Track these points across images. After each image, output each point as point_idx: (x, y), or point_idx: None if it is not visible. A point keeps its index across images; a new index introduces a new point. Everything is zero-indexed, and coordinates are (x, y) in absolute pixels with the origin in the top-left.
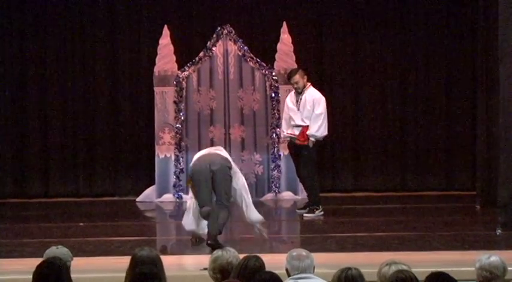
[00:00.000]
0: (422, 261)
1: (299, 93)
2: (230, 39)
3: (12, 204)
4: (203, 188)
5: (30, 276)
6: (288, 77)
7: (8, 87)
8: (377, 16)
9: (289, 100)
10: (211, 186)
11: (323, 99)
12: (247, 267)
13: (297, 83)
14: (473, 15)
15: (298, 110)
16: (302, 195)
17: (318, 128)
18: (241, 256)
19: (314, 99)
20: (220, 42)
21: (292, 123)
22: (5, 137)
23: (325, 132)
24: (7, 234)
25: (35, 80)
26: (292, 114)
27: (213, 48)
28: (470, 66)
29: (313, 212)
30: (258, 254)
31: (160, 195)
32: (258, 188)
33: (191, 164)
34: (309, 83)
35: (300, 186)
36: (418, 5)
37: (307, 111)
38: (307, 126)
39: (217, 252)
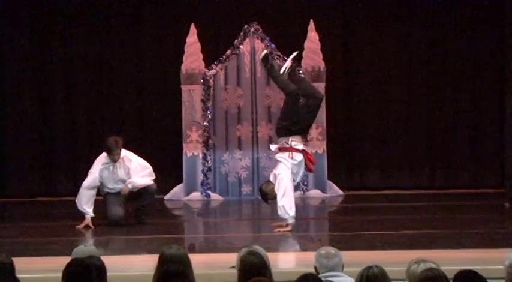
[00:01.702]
0: (451, 259)
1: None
2: (257, 37)
3: (41, 202)
4: None
5: (59, 275)
6: None
7: (36, 87)
8: (404, 13)
9: None
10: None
11: None
12: (246, 263)
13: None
14: (502, 9)
15: None
16: (330, 193)
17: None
18: (268, 254)
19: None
20: (247, 40)
21: None
22: (34, 136)
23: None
24: (36, 232)
25: (61, 79)
26: None
27: (240, 46)
28: (498, 62)
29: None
30: (287, 252)
31: (188, 193)
32: None
33: None
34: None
35: (328, 184)
36: (446, 2)
37: None
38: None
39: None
